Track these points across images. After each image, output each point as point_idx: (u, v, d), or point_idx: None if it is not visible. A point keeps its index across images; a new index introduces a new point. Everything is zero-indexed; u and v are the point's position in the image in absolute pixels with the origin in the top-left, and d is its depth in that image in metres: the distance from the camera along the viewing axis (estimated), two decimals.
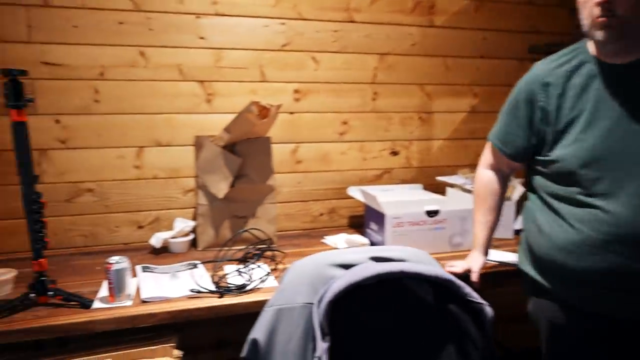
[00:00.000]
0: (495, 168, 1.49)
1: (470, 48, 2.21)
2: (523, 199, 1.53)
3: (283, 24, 1.94)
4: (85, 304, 1.30)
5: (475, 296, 1.13)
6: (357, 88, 2.08)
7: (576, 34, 1.58)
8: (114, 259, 1.33)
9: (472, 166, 2.28)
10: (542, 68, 1.30)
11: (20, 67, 1.24)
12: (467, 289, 1.12)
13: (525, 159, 1.37)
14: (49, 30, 1.70)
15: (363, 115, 2.11)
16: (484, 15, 2.20)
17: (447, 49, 2.18)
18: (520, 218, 1.60)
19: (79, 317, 1.24)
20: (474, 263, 1.45)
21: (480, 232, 1.47)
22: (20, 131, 1.24)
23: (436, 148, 2.24)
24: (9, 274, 1.42)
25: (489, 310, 1.14)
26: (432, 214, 1.75)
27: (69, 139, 1.77)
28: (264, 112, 1.71)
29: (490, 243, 1.49)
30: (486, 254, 1.48)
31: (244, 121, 1.69)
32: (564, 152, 1.21)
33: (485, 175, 1.50)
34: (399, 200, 1.74)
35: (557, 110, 1.23)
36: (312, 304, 1.02)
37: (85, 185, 1.81)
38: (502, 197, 1.49)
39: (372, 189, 1.93)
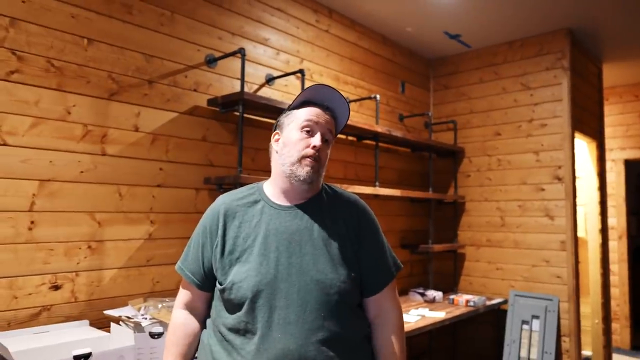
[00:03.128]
0: (190, 306, 1.43)
1: (146, 177, 2.26)
2: None
3: None
4: None
5: None
6: (7, 217, 1.85)
7: (240, 170, 1.81)
8: None
9: (148, 294, 2.23)
10: (225, 201, 1.40)
11: None
12: None
13: (212, 287, 1.38)
14: None
15: (15, 247, 1.87)
16: (160, 148, 2.31)
17: (121, 177, 2.18)
18: None
19: None
20: None
21: None
22: None
23: (108, 278, 2.12)
24: None
25: None
26: (81, 358, 1.58)
27: None
28: None
29: None
30: None
31: None
32: (236, 279, 1.28)
33: (178, 316, 1.42)
34: (38, 347, 1.53)
35: (235, 239, 1.32)
36: None
37: None
38: (198, 339, 1.41)
39: (20, 333, 1.67)
